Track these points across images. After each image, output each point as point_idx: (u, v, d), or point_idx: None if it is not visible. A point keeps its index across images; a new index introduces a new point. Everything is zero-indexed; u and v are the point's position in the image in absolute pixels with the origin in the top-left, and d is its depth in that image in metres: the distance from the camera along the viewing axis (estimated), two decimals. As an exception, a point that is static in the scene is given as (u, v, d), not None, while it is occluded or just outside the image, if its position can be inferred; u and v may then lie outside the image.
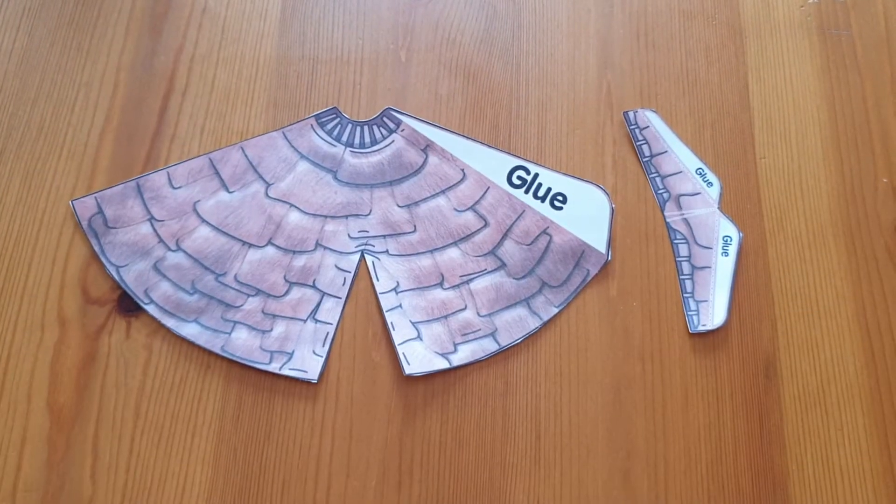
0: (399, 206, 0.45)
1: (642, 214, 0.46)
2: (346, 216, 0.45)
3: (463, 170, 0.46)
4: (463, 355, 0.42)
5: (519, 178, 0.46)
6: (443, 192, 0.46)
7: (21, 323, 0.42)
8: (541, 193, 0.46)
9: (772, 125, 0.49)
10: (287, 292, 0.43)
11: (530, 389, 0.42)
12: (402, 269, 0.44)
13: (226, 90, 0.48)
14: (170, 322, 0.42)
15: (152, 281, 0.43)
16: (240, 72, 0.49)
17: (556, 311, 0.43)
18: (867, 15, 0.53)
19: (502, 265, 0.44)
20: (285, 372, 0.41)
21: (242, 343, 0.42)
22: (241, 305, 0.43)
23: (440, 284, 0.44)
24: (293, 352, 0.42)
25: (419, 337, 0.42)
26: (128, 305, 0.43)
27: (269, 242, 0.44)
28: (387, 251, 0.44)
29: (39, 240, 0.44)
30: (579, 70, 0.50)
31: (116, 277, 0.43)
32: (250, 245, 0.44)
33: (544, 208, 0.45)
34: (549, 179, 0.46)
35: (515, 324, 0.43)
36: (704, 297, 0.44)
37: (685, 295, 0.45)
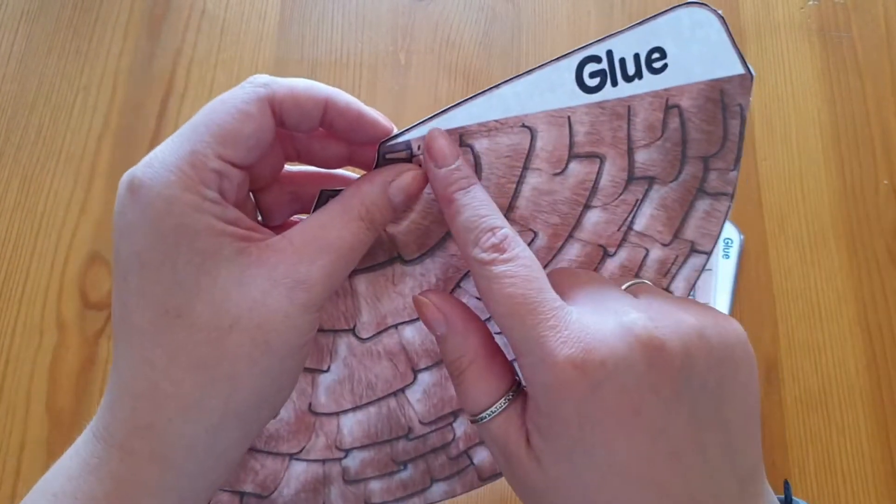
0: None
1: (643, 217, 0.46)
2: (457, 285, 0.33)
3: (524, 124, 0.31)
4: (681, 288, 0.35)
5: (593, 74, 0.31)
6: (525, 168, 0.32)
7: (20, 327, 0.42)
8: (630, 71, 0.31)
9: (772, 127, 0.49)
10: None
11: (531, 393, 0.42)
12: None
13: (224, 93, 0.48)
14: (416, 501, 0.36)
15: (360, 491, 0.35)
16: (239, 74, 0.49)
17: (735, 174, 0.33)
18: (867, 17, 0.53)
19: (650, 181, 0.33)
20: None
21: (492, 460, 0.36)
22: (455, 437, 0.35)
23: (606, 256, 0.34)
24: None
25: None
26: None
27: (414, 372, 0.34)
28: None
29: (38, 244, 0.44)
30: (579, 72, 0.50)
31: None
32: (401, 390, 0.34)
33: (647, 82, 0.31)
34: (629, 43, 0.31)
35: (706, 221, 0.34)
36: (706, 300, 0.44)
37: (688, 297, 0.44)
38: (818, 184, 0.47)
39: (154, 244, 0.24)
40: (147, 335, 0.24)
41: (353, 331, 0.32)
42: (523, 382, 0.26)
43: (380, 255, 0.31)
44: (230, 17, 0.50)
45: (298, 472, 0.34)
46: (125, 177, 0.24)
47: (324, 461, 0.34)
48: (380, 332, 0.33)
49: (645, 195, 0.33)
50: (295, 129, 0.27)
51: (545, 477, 0.25)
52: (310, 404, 0.33)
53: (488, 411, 0.27)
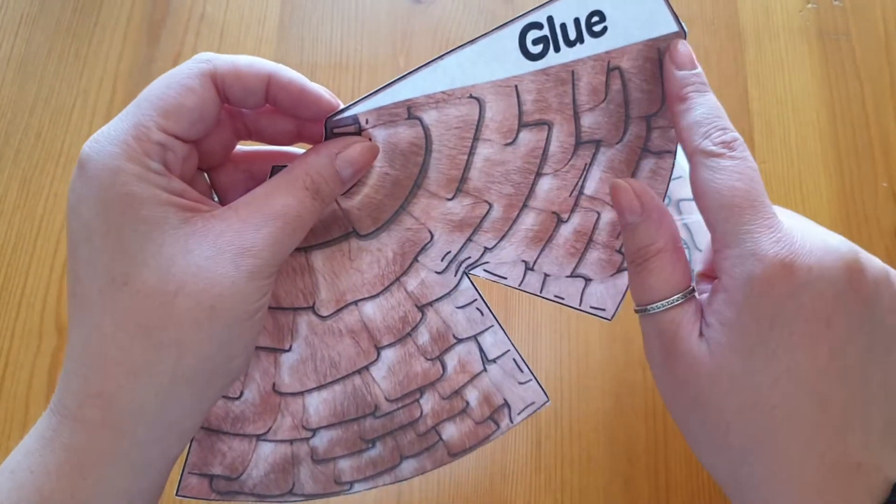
0: (449, 199, 0.32)
1: (642, 220, 0.46)
2: (414, 259, 0.33)
3: (471, 95, 0.30)
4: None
5: (535, 41, 0.31)
6: (475, 139, 0.31)
7: (19, 330, 0.42)
8: (572, 35, 0.31)
9: (771, 130, 0.49)
10: (444, 366, 0.35)
11: (530, 396, 0.42)
12: (514, 246, 0.34)
13: (224, 96, 0.48)
14: (386, 479, 0.36)
15: (330, 470, 0.35)
16: (238, 78, 0.49)
17: (675, 131, 0.33)
18: (866, 20, 0.53)
19: (597, 144, 0.33)
20: (521, 419, 0.37)
21: (461, 435, 0.36)
22: (423, 413, 0.35)
23: (560, 222, 0.34)
24: (505, 400, 0.37)
25: (587, 279, 0.36)
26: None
27: (377, 349, 0.34)
28: (485, 248, 0.34)
29: (37, 247, 0.44)
30: (578, 75, 0.50)
31: (302, 499, 0.35)
32: (365, 367, 0.34)
33: (588, 46, 0.31)
34: (568, 8, 0.31)
35: (652, 180, 0.34)
36: (705, 303, 0.44)
37: (686, 300, 0.44)
38: (817, 186, 0.47)
39: (100, 214, 0.24)
40: (96, 303, 0.24)
41: (312, 308, 0.32)
42: (720, 274, 0.27)
43: (335, 231, 0.31)
44: (229, 21, 0.50)
45: (266, 452, 0.34)
46: (80, 155, 0.25)
47: (291, 441, 0.34)
48: (340, 310, 0.33)
49: (593, 159, 0.33)
50: (241, 105, 0.28)
51: (715, 369, 0.26)
52: (273, 384, 0.33)
53: (665, 301, 0.28)
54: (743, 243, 0.26)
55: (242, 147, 0.31)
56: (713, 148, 0.27)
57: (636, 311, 0.29)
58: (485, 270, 0.35)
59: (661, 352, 0.28)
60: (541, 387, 0.36)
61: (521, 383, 0.37)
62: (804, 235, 0.26)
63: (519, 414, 0.36)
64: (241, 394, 0.33)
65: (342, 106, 0.28)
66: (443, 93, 0.30)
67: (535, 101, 0.31)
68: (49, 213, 0.45)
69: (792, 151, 0.48)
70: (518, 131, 0.31)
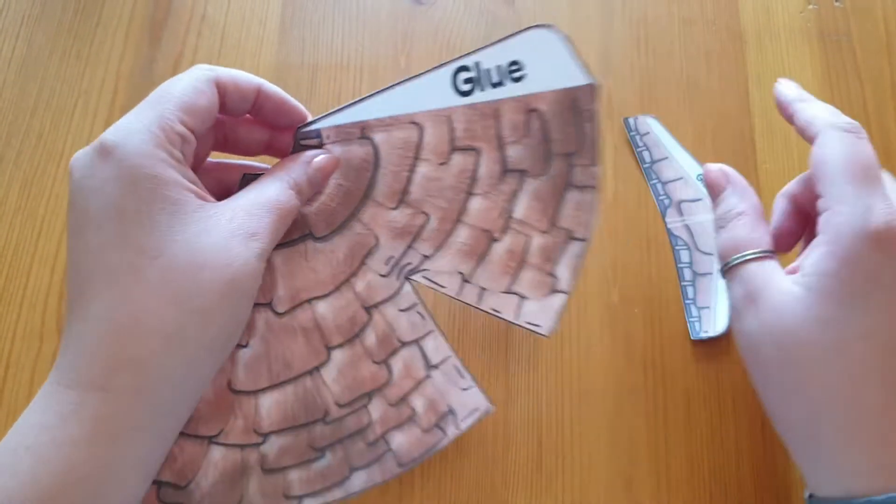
0: (392, 209, 0.37)
1: (643, 221, 0.46)
2: (362, 261, 0.37)
3: (413, 121, 0.36)
4: (565, 274, 0.39)
5: (466, 80, 0.37)
6: (416, 159, 0.37)
7: (20, 332, 0.42)
8: (495, 79, 0.38)
9: (773, 131, 0.49)
10: (390, 370, 0.37)
11: (532, 397, 0.42)
12: (450, 257, 0.38)
13: (225, 97, 0.48)
14: (336, 494, 0.36)
15: (279, 482, 0.36)
16: (239, 79, 0.49)
17: (597, 169, 0.38)
18: (867, 21, 0.53)
19: (522, 174, 0.38)
20: (466, 426, 0.38)
21: (409, 444, 0.37)
22: (371, 420, 0.37)
23: (494, 240, 0.38)
24: (450, 406, 0.38)
25: (522, 296, 0.39)
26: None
27: (327, 349, 0.36)
28: (424, 256, 0.38)
29: (38, 248, 0.44)
30: (579, 76, 0.50)
31: None
32: (316, 369, 0.36)
33: (509, 89, 0.37)
34: (493, 57, 0.38)
35: (578, 211, 0.38)
36: (706, 304, 0.44)
37: (687, 301, 0.44)
38: (818, 188, 0.47)
39: (131, 193, 0.27)
40: (128, 274, 0.27)
41: (270, 305, 0.35)
42: (825, 231, 0.30)
43: (294, 233, 0.35)
44: (231, 22, 0.50)
45: (217, 458, 0.35)
46: (90, 148, 0.28)
47: (242, 447, 0.35)
48: (294, 307, 0.36)
49: (520, 187, 0.38)
50: (232, 112, 0.32)
51: (805, 312, 0.29)
52: (229, 381, 0.35)
53: (752, 251, 0.32)
54: (858, 205, 0.29)
55: (213, 159, 0.35)
56: (847, 125, 0.32)
57: (720, 270, 0.35)
58: (424, 277, 0.38)
59: (745, 298, 0.32)
60: (483, 393, 0.38)
61: (463, 389, 0.38)
62: None
63: (464, 420, 0.38)
64: (226, 357, 0.34)
65: (311, 118, 0.34)
66: (390, 117, 0.36)
67: (465, 129, 0.37)
68: (50, 215, 0.45)
69: (793, 152, 0.48)
70: (450, 154, 0.37)
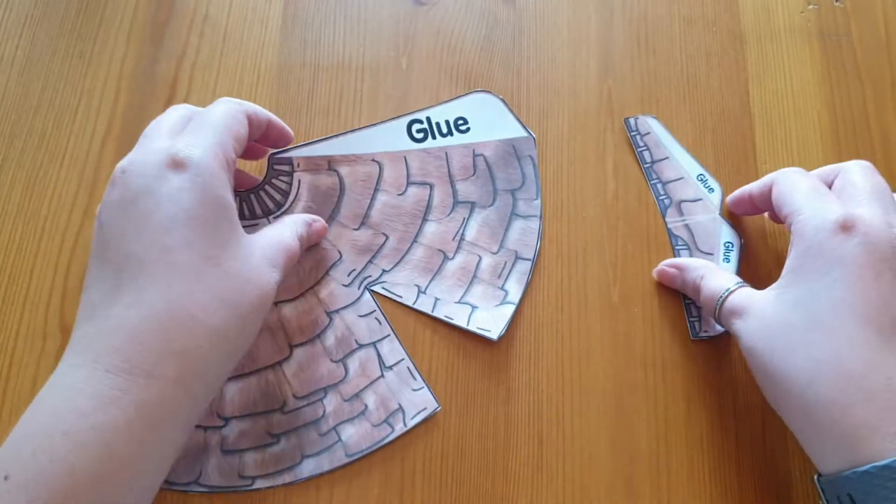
0: (355, 229, 0.44)
1: (644, 220, 0.47)
2: (326, 273, 0.43)
3: (373, 159, 0.45)
4: (514, 288, 0.44)
5: (419, 131, 0.47)
6: (376, 189, 0.45)
7: (23, 331, 0.42)
8: (444, 129, 0.47)
9: (773, 131, 0.49)
10: (346, 369, 0.41)
11: (532, 396, 0.42)
12: (408, 272, 0.44)
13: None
14: (286, 478, 0.39)
15: (235, 462, 0.39)
16: (241, 79, 0.49)
17: (538, 202, 0.46)
18: (867, 20, 0.53)
19: (472, 204, 0.45)
20: (414, 423, 0.41)
21: (358, 436, 0.40)
22: (325, 412, 0.40)
23: (446, 258, 0.44)
24: (400, 405, 0.41)
25: (473, 306, 0.43)
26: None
27: (290, 347, 0.41)
28: (383, 270, 0.44)
29: (41, 248, 0.44)
30: (580, 76, 0.50)
31: (207, 490, 0.39)
32: (279, 363, 0.41)
33: (456, 139, 0.47)
34: (441, 113, 0.48)
35: (524, 235, 0.45)
36: (706, 303, 0.44)
37: (686, 301, 0.45)
38: (818, 187, 0.47)
39: (202, 205, 0.31)
40: (191, 275, 0.30)
41: None
42: (793, 239, 0.37)
43: None
44: (232, 23, 0.50)
45: (195, 443, 0.39)
46: (155, 158, 0.32)
47: (205, 428, 0.39)
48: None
49: (470, 215, 0.45)
50: (251, 139, 0.38)
51: (781, 304, 0.35)
52: None
53: (729, 287, 0.39)
54: (816, 207, 0.36)
55: None
56: (790, 169, 0.41)
57: (715, 319, 0.41)
58: (383, 288, 0.43)
59: (736, 316, 0.38)
60: (432, 394, 0.41)
61: (414, 390, 0.41)
62: (859, 207, 0.35)
63: (412, 418, 0.41)
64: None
65: (290, 145, 0.43)
66: (354, 154, 0.45)
67: (419, 168, 0.45)
68: (53, 215, 0.45)
69: (793, 152, 0.49)
70: (407, 186, 0.45)
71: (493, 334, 0.42)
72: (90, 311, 0.30)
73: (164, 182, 0.31)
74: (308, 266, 0.43)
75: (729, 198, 0.46)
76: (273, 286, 0.34)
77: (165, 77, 0.48)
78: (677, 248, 0.45)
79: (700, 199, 0.47)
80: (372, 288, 0.43)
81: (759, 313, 0.36)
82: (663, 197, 0.47)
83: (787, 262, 0.36)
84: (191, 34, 0.50)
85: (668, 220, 0.46)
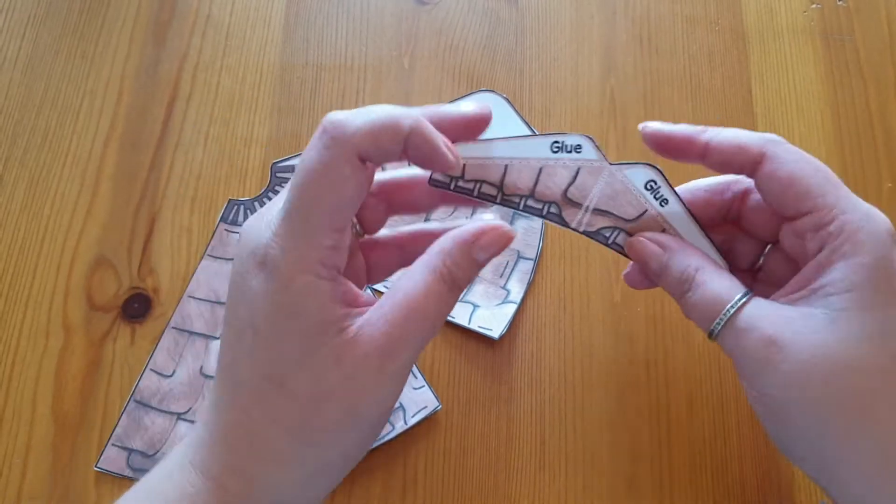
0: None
1: (646, 220, 0.46)
2: None
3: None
4: (516, 287, 0.44)
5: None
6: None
7: (26, 330, 0.42)
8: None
9: (775, 130, 0.49)
10: None
11: (535, 395, 0.42)
12: None
13: (230, 97, 0.48)
14: None
15: None
16: (244, 79, 0.49)
17: None
18: (870, 20, 0.53)
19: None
20: (415, 421, 0.41)
21: None
22: None
23: None
24: (400, 403, 0.41)
25: (475, 305, 0.43)
26: (132, 312, 0.43)
27: None
28: None
29: (44, 247, 0.44)
30: (582, 75, 0.50)
31: None
32: None
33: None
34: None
35: (527, 236, 0.45)
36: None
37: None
38: (821, 187, 0.47)
39: (270, 316, 0.25)
40: (250, 394, 0.26)
41: None
42: (833, 244, 0.27)
43: None
44: (235, 23, 0.50)
45: (183, 432, 0.40)
46: (251, 248, 0.26)
47: None
48: None
49: (472, 215, 0.44)
50: (382, 163, 0.28)
51: (851, 337, 0.25)
52: (201, 367, 0.41)
53: (739, 296, 0.28)
54: (858, 208, 0.27)
55: (392, 230, 0.33)
56: (777, 137, 0.29)
57: (711, 337, 0.29)
58: (385, 287, 0.43)
59: (764, 345, 0.26)
60: (433, 393, 0.41)
61: (415, 388, 0.42)
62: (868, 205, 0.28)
63: (413, 416, 0.41)
64: (174, 372, 0.41)
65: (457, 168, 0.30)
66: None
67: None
68: (56, 214, 0.45)
69: (796, 151, 0.48)
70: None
71: (495, 333, 0.42)
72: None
73: (245, 280, 0.26)
74: None
75: (649, 130, 0.31)
76: (381, 390, 0.26)
77: (168, 77, 0.49)
78: (610, 239, 0.33)
79: (577, 169, 0.31)
80: (374, 287, 0.43)
81: (814, 341, 0.25)
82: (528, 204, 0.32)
83: (842, 272, 0.26)
84: (193, 34, 0.50)
85: (572, 225, 0.32)
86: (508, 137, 0.30)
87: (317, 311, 0.25)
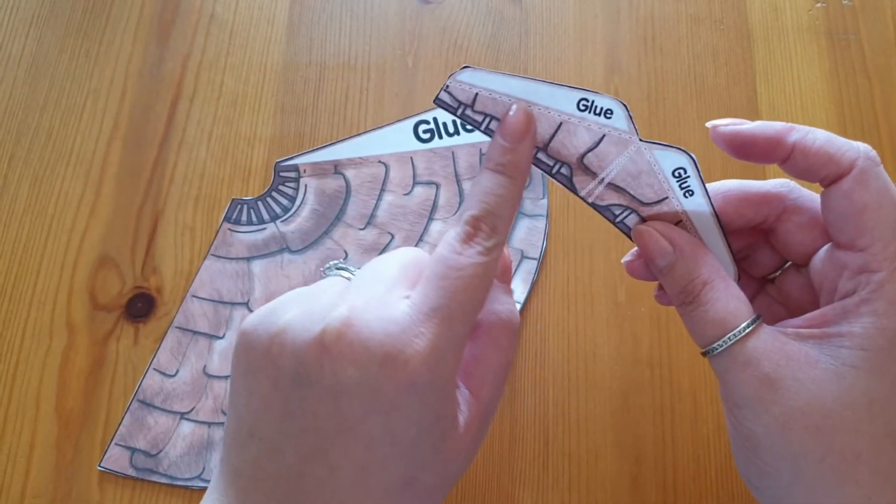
0: (361, 229, 0.45)
1: (650, 219, 0.46)
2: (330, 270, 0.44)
3: (380, 161, 0.46)
4: (520, 287, 0.44)
5: (425, 132, 0.47)
6: (382, 190, 0.45)
7: (29, 329, 0.42)
8: (451, 129, 0.47)
9: (780, 129, 0.49)
10: None
11: (538, 395, 0.42)
12: None
13: (233, 96, 0.48)
14: None
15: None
16: (247, 77, 0.49)
17: (544, 201, 0.46)
18: (875, 18, 0.52)
19: None
20: None
21: None
22: None
23: None
24: None
25: None
26: (136, 311, 0.43)
27: None
28: None
29: (48, 246, 0.44)
30: (587, 75, 0.50)
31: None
32: None
33: (463, 138, 0.47)
34: (448, 114, 0.46)
35: (530, 235, 0.46)
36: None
37: (694, 300, 0.44)
38: (826, 186, 0.47)
39: (411, 424, 0.23)
40: (381, 498, 0.24)
41: (247, 304, 0.43)
42: (872, 295, 0.25)
43: (272, 246, 0.44)
44: (239, 21, 0.50)
45: (186, 432, 0.40)
46: (376, 345, 0.23)
47: (209, 424, 0.40)
48: None
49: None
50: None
51: (850, 395, 0.24)
52: (205, 366, 0.42)
53: (735, 332, 0.25)
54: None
55: None
56: (871, 153, 0.26)
57: (704, 355, 0.27)
58: None
59: (759, 384, 0.25)
60: None
61: None
62: None
63: None
64: (177, 372, 0.41)
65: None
66: (360, 157, 0.46)
67: (425, 167, 0.46)
68: (60, 213, 0.45)
69: (801, 151, 0.48)
70: (413, 186, 0.45)
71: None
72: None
73: (377, 386, 0.24)
74: (313, 264, 0.44)
75: (725, 130, 0.29)
76: (456, 479, 0.26)
77: (172, 76, 0.49)
78: (619, 218, 0.30)
79: (602, 136, 0.28)
80: None
81: (810, 390, 0.24)
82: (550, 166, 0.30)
83: (866, 331, 0.24)
84: (197, 33, 0.50)
85: (581, 193, 0.30)
86: (532, 79, 0.27)
87: (448, 418, 0.25)
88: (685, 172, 0.28)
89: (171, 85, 0.48)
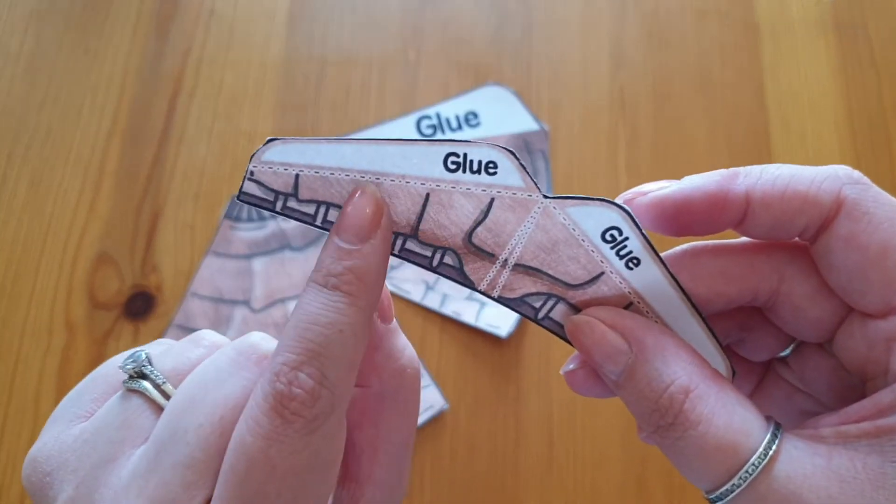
0: None
1: (656, 216, 0.46)
2: None
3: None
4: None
5: (428, 126, 0.47)
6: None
7: (29, 328, 0.42)
8: (453, 124, 0.47)
9: (788, 125, 0.48)
10: None
11: (543, 395, 0.42)
12: (416, 268, 0.45)
13: (233, 92, 0.48)
14: None
15: None
16: (247, 73, 0.48)
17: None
18: (882, 12, 0.52)
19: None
20: (422, 421, 0.42)
21: None
22: None
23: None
24: None
25: (482, 303, 0.43)
26: (135, 309, 0.43)
27: None
28: (391, 266, 0.44)
29: (47, 244, 0.44)
30: (591, 70, 0.49)
31: None
32: None
33: (466, 134, 0.46)
34: (451, 108, 0.47)
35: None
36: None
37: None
38: (835, 182, 0.47)
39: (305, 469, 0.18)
40: None
41: (247, 303, 0.43)
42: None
43: (273, 243, 0.44)
44: (239, 17, 0.50)
45: None
46: (271, 403, 0.18)
47: None
48: (269, 305, 0.43)
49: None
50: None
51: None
52: None
53: (761, 451, 0.17)
54: None
55: None
56: (855, 174, 0.18)
57: (713, 502, 0.18)
58: (392, 284, 0.43)
59: None
60: (440, 392, 0.41)
61: (422, 387, 0.42)
62: None
63: (419, 416, 0.41)
64: None
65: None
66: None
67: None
68: (58, 211, 0.44)
69: (808, 145, 0.48)
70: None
71: (503, 332, 0.42)
72: None
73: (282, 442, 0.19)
74: (314, 262, 0.44)
75: (646, 201, 0.21)
76: None
77: (171, 72, 0.48)
78: (541, 314, 0.22)
79: (491, 200, 0.20)
80: None
81: None
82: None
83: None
84: (197, 29, 0.49)
85: (481, 287, 0.21)
86: (373, 140, 0.20)
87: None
88: (619, 234, 0.20)
89: (171, 81, 0.48)
